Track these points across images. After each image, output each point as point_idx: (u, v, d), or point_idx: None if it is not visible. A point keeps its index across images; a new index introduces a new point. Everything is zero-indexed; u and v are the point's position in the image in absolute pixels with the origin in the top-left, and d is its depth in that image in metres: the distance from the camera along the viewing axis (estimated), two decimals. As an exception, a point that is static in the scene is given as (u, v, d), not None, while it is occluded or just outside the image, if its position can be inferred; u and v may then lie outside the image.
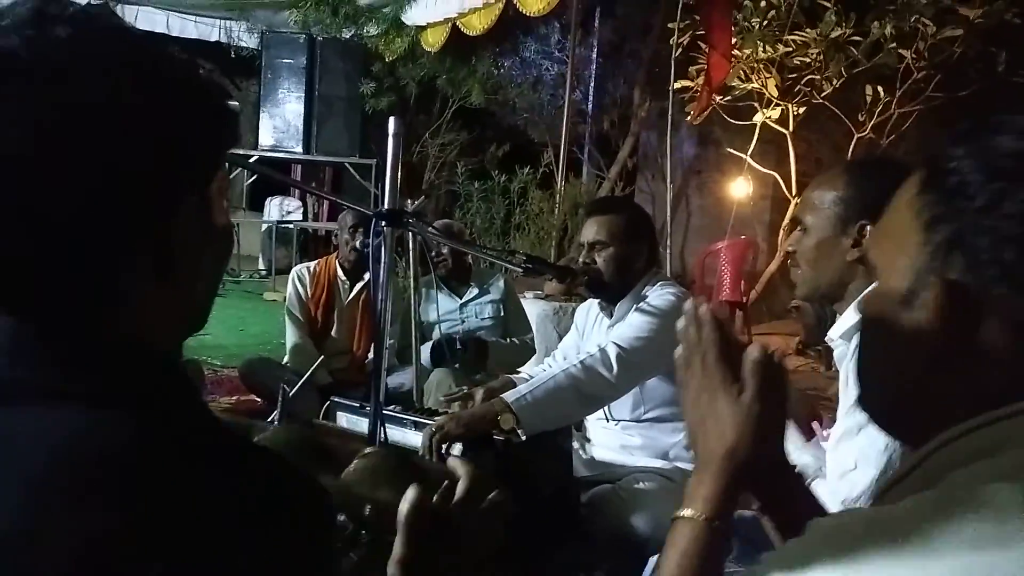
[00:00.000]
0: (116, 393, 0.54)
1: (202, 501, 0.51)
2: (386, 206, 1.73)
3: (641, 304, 2.08)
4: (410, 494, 0.74)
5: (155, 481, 0.51)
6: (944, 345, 0.56)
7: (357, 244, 3.34)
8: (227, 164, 0.66)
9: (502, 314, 3.46)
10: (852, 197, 1.40)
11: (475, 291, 3.46)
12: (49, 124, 0.51)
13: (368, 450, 1.10)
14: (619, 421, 2.17)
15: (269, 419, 1.84)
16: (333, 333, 3.54)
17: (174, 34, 7.86)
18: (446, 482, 0.79)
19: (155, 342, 0.58)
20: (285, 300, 3.60)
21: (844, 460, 1.32)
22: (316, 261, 3.71)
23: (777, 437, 0.79)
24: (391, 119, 1.76)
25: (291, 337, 3.50)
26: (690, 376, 0.80)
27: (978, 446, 0.52)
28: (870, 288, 0.65)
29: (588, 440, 2.26)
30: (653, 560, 1.44)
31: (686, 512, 0.74)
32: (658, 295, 2.09)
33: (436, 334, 3.26)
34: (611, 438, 2.19)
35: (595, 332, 2.27)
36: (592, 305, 2.34)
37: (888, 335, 0.61)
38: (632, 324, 2.02)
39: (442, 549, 0.75)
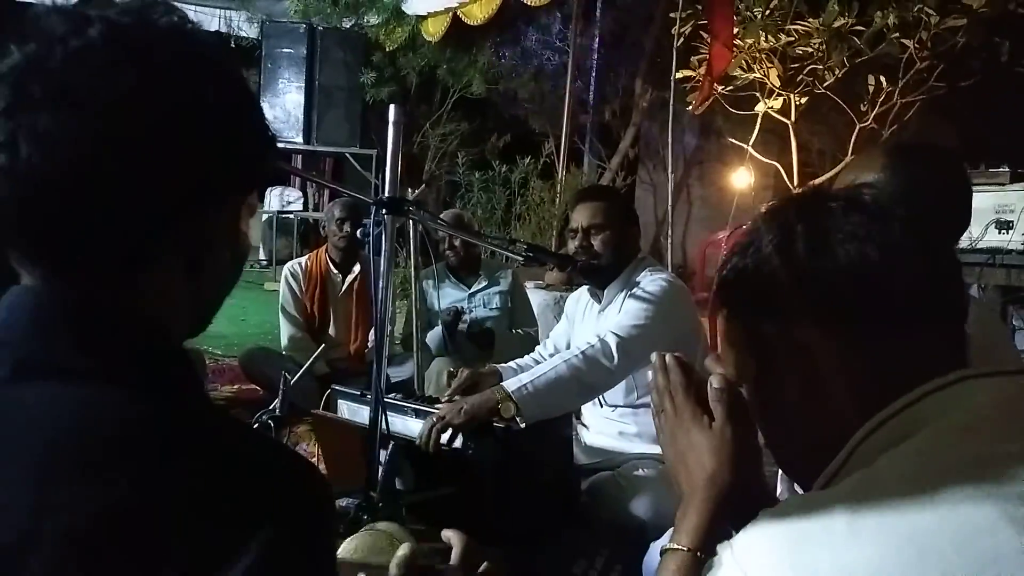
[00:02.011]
0: (130, 374, 0.55)
1: (208, 481, 0.52)
2: (387, 194, 1.73)
3: (635, 291, 2.09)
4: (402, 551, 0.81)
5: (162, 460, 0.52)
6: (805, 385, 0.67)
7: (358, 233, 3.32)
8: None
9: (509, 305, 3.47)
10: (890, 183, 1.36)
11: (484, 281, 3.48)
12: (132, 103, 0.53)
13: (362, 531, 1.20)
14: (614, 407, 2.18)
15: (271, 407, 1.84)
16: (331, 328, 3.53)
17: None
18: (441, 542, 0.87)
19: (169, 330, 0.60)
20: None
21: None
22: (306, 256, 3.70)
23: (754, 463, 0.83)
24: (392, 107, 1.76)
25: (288, 331, 3.50)
26: (664, 419, 0.85)
27: (901, 430, 0.58)
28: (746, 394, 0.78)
29: (585, 426, 2.27)
30: (654, 545, 1.44)
31: (673, 545, 0.78)
32: (650, 280, 2.10)
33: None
34: (607, 424, 2.20)
35: (585, 319, 2.29)
36: (582, 293, 2.36)
37: (770, 406, 0.72)
38: (628, 312, 2.04)
39: None
